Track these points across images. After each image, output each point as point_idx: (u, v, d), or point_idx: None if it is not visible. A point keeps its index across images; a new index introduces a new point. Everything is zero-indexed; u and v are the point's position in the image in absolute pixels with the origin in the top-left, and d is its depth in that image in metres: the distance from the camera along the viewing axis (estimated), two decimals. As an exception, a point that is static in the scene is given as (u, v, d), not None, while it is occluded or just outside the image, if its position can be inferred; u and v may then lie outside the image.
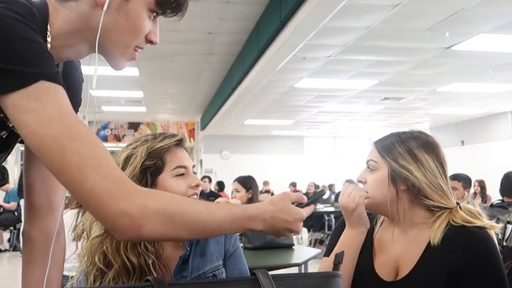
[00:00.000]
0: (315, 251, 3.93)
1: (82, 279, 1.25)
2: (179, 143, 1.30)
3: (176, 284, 1.01)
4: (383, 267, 1.35)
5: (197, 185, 1.30)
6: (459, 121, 12.43)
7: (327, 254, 1.42)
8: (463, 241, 1.24)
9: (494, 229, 1.28)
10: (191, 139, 15.05)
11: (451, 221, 1.27)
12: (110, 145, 13.57)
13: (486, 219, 1.30)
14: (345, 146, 16.53)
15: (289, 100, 9.65)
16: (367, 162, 1.38)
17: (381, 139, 1.39)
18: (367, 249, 1.39)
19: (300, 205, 1.05)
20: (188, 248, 1.29)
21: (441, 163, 1.33)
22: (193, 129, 15.22)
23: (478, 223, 1.26)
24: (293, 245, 3.80)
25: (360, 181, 1.39)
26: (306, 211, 1.04)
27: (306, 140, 16.27)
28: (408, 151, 1.31)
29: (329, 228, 8.21)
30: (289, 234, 1.03)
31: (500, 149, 11.38)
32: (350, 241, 1.37)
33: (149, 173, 1.24)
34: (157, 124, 14.53)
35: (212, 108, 11.05)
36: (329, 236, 1.42)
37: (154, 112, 12.80)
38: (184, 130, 14.96)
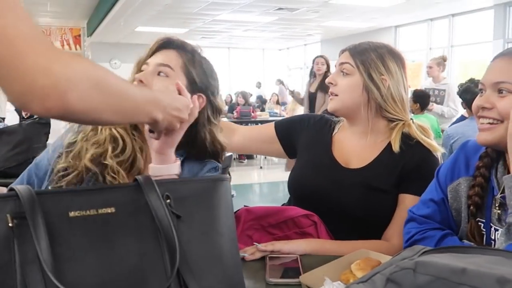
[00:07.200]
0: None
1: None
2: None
3: (44, 193, 0.74)
4: (341, 160, 1.40)
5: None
6: (348, 34, 11.03)
7: None
8: (418, 153, 1.32)
9: (438, 151, 1.35)
10: (77, 46, 13.35)
11: (406, 133, 1.34)
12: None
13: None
14: (239, 57, 16.53)
15: (182, 7, 8.81)
16: (341, 65, 1.35)
17: (355, 45, 1.37)
18: (325, 145, 1.43)
19: None
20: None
21: (405, 73, 1.36)
22: (79, 35, 13.30)
23: (429, 141, 1.34)
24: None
25: (330, 83, 1.37)
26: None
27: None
28: (381, 58, 1.32)
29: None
30: (178, 126, 0.93)
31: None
32: None
33: None
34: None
35: (99, 12, 10.15)
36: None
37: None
38: (69, 36, 13.22)
